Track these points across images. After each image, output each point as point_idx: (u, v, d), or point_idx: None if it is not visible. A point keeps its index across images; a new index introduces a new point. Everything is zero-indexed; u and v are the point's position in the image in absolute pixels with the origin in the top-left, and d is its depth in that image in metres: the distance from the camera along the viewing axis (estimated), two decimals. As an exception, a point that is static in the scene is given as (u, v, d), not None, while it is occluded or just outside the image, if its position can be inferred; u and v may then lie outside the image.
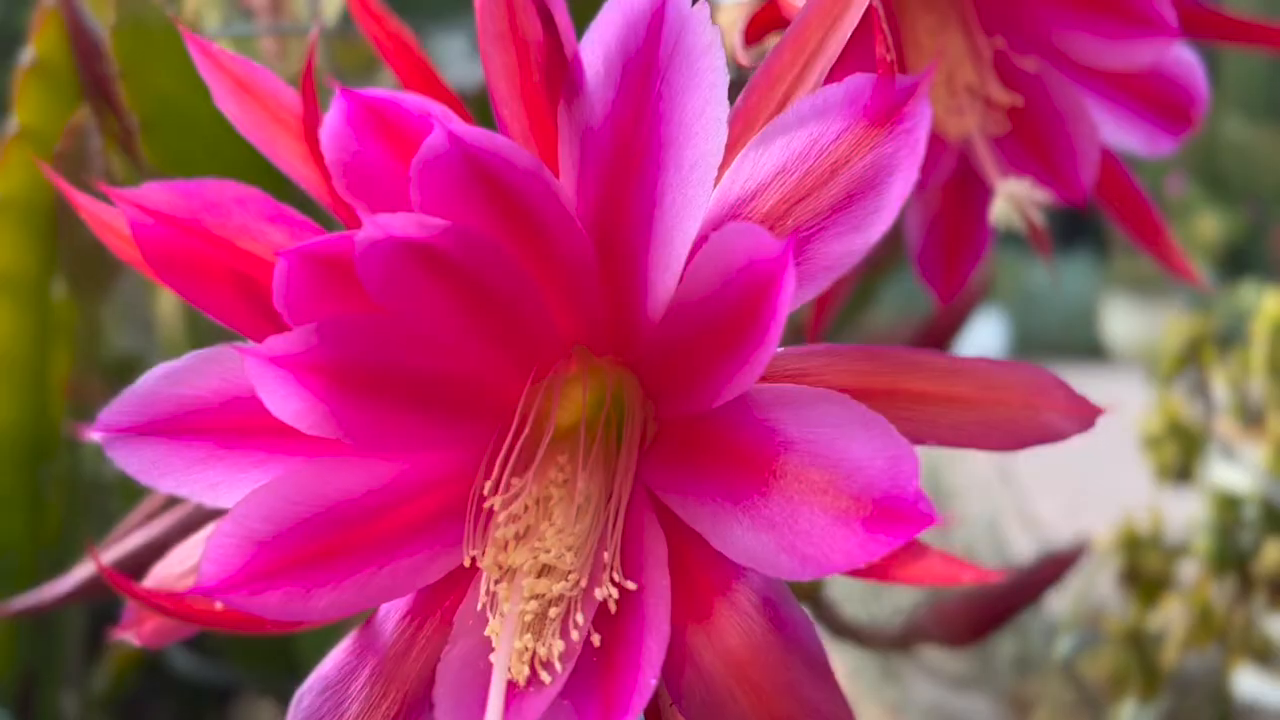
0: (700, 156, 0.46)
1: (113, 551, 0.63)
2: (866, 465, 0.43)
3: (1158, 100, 0.84)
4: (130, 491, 1.61)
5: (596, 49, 0.46)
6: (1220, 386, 2.37)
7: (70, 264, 1.18)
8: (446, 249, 0.45)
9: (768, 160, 0.47)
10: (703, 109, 0.46)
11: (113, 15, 0.97)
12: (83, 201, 0.50)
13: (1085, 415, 0.48)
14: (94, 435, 0.46)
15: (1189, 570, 2.30)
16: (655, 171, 0.47)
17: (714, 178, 0.47)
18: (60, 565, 1.39)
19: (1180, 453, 2.22)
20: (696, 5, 0.45)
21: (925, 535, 0.47)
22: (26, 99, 1.17)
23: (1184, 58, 0.84)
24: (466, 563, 0.50)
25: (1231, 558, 2.20)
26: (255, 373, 0.44)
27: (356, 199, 0.45)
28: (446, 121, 0.43)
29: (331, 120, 0.43)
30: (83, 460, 1.41)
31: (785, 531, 0.43)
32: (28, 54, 1.18)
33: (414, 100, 0.44)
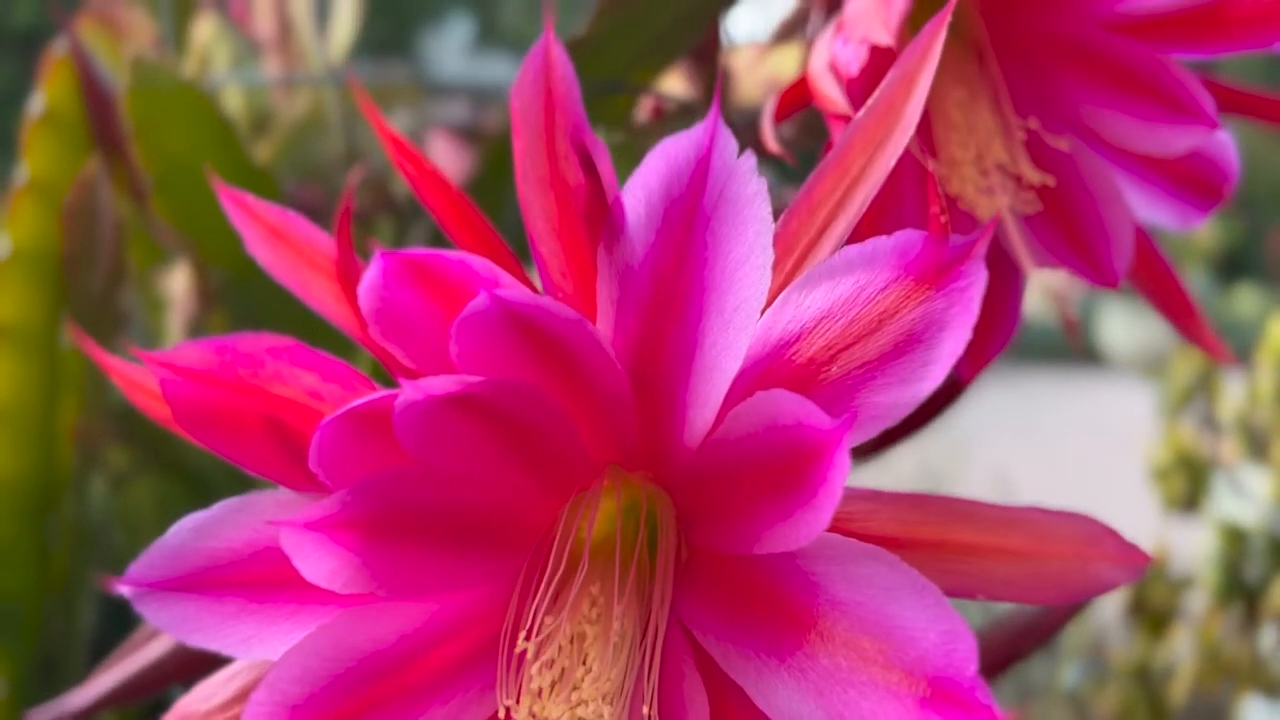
0: (742, 302, 0.45)
1: (134, 660, 0.62)
2: (919, 637, 0.41)
3: (1190, 178, 0.83)
4: (134, 527, 1.60)
5: (639, 193, 0.45)
6: (1227, 408, 2.36)
7: (78, 314, 1.17)
8: (484, 396, 0.44)
9: (812, 304, 0.46)
10: (747, 256, 0.45)
11: (128, 78, 0.96)
12: (111, 364, 0.48)
13: (1135, 563, 0.47)
14: (123, 590, 0.45)
15: (1195, 600, 2.30)
16: (696, 314, 0.46)
17: (756, 320, 0.46)
18: (66, 610, 1.38)
19: (1188, 484, 2.21)
20: (742, 156, 0.44)
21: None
22: (36, 149, 1.15)
23: (1218, 136, 0.83)
24: (501, 714, 0.49)
25: (1238, 591, 2.19)
26: (290, 543, 0.42)
27: (391, 343, 0.44)
28: (490, 283, 0.42)
29: (370, 277, 0.42)
30: (88, 501, 1.40)
31: (835, 700, 0.42)
32: (38, 103, 1.16)
33: (454, 255, 0.43)
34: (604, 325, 0.48)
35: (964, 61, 0.86)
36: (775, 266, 0.49)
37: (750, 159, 0.44)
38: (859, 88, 0.72)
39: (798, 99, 0.81)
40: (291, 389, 0.45)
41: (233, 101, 1.44)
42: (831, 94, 0.69)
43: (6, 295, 1.15)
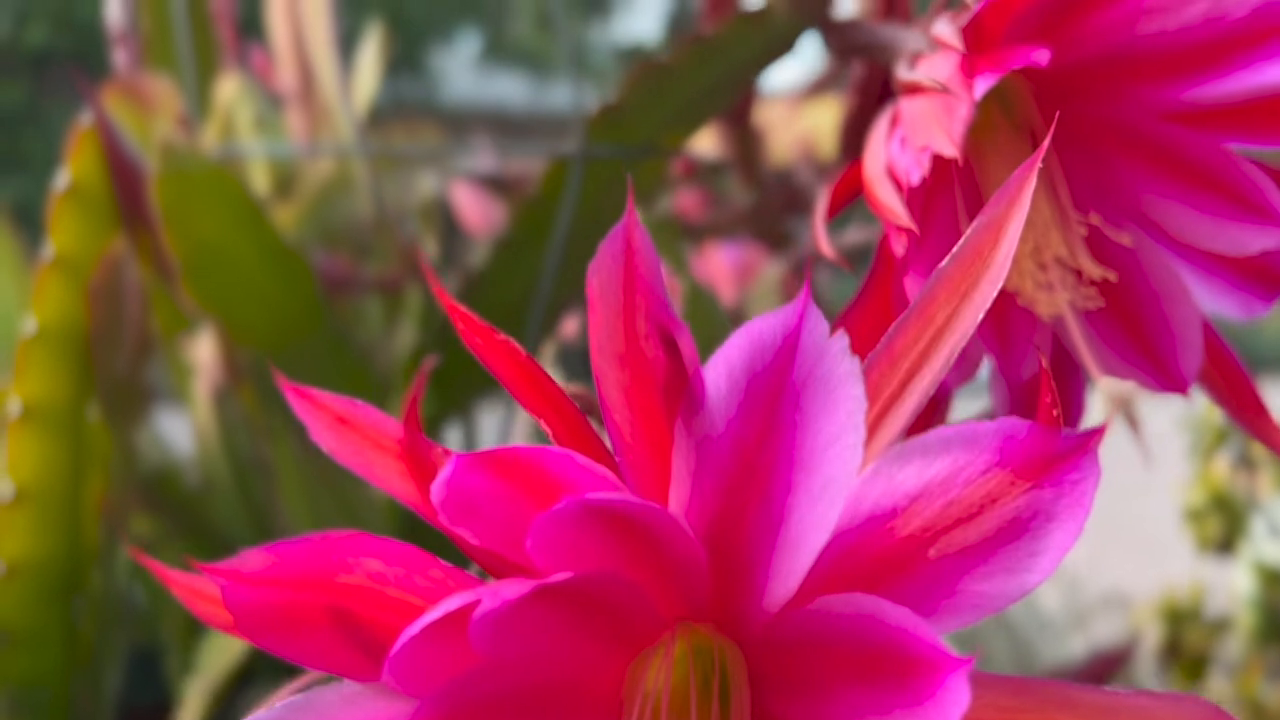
0: (832, 479, 0.43)
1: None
2: None
3: (1256, 268, 0.80)
4: (157, 589, 1.58)
5: (721, 368, 0.42)
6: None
7: (105, 393, 1.15)
8: (561, 589, 0.42)
9: (905, 480, 0.43)
10: (839, 435, 0.42)
11: (158, 165, 0.94)
12: (172, 577, 0.46)
13: (1248, 746, 0.44)
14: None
15: (1233, 642, 2.26)
16: (782, 489, 0.44)
17: (845, 497, 0.44)
18: (94, 683, 1.36)
19: (1224, 526, 2.18)
20: (835, 335, 0.42)
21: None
22: (61, 225, 1.13)
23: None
24: None
25: (1277, 634, 2.15)
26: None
27: (460, 527, 0.42)
28: (568, 468, 0.39)
29: (442, 477, 0.40)
30: (114, 571, 1.38)
31: None
32: (62, 178, 1.15)
33: (527, 451, 0.40)
34: (679, 492, 0.46)
35: (1017, 147, 0.84)
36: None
37: (843, 339, 0.41)
38: (919, 198, 0.69)
39: (847, 193, 0.79)
40: (356, 576, 0.43)
41: (257, 162, 1.42)
42: (890, 203, 0.66)
43: (32, 375, 1.13)
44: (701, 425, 0.43)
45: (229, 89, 1.44)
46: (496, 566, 0.46)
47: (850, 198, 0.78)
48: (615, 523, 0.41)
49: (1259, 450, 2.22)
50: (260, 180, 1.46)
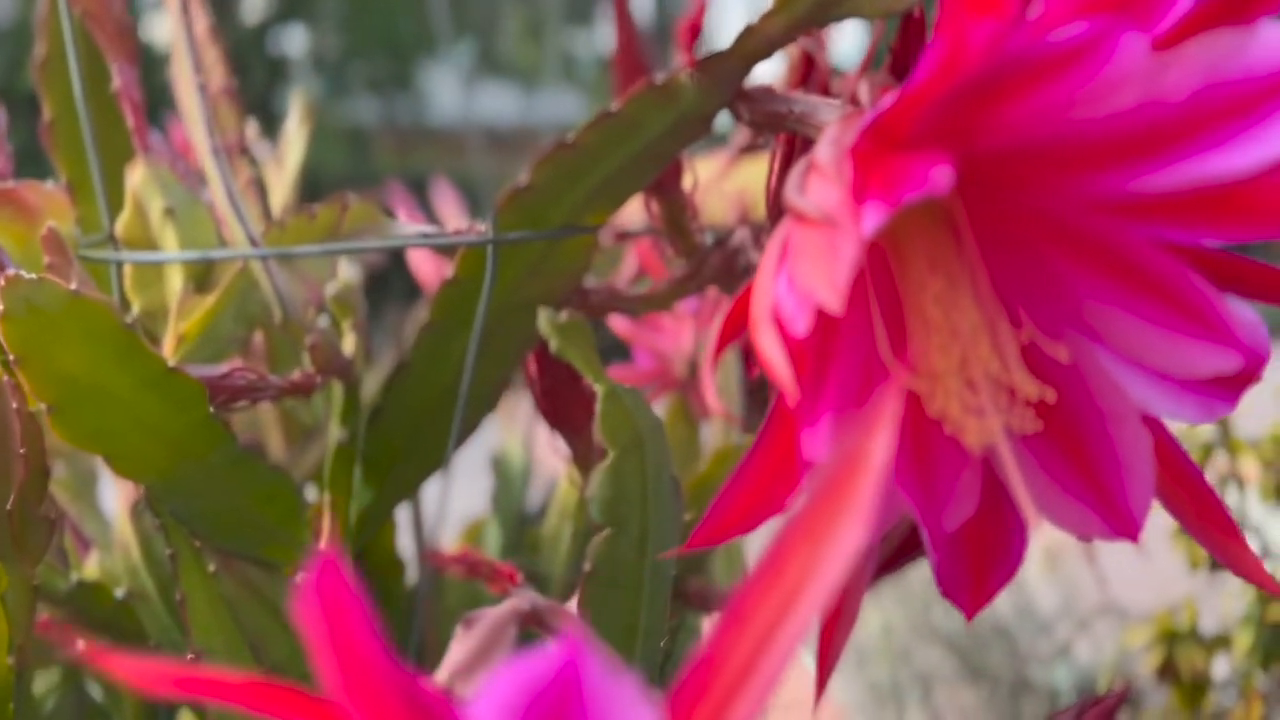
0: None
1: None
2: None
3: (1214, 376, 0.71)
4: (113, 690, 1.49)
5: (486, 705, 0.33)
6: (1250, 460, 2.21)
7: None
8: None
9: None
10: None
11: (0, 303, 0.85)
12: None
13: None
14: None
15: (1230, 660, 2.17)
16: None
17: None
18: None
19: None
20: (620, 675, 0.33)
21: None
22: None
23: (1246, 317, 0.70)
24: None
25: (1275, 652, 2.07)
26: None
27: None
28: None
29: None
30: (31, 702, 1.29)
31: None
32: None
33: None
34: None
35: (938, 243, 0.74)
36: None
37: (631, 680, 0.33)
38: (804, 354, 0.60)
39: (736, 329, 0.67)
40: None
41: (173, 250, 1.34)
42: (774, 358, 0.56)
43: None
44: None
45: (136, 176, 1.35)
46: None
47: (734, 336, 0.68)
48: None
49: (1248, 467, 2.12)
50: (177, 272, 1.37)
